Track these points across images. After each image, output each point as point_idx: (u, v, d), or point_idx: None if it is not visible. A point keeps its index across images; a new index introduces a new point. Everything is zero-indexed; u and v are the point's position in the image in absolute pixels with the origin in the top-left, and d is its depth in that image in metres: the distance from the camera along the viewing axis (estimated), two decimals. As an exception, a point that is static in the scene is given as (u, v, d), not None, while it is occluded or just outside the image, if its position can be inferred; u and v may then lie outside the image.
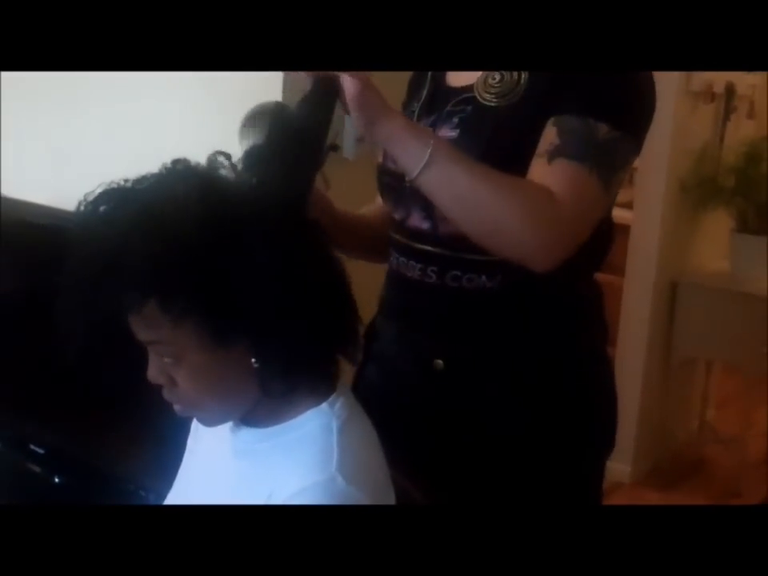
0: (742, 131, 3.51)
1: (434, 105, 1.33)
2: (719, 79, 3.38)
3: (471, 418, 1.34)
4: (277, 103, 1.19)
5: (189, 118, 2.17)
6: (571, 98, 1.21)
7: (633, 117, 1.25)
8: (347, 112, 1.17)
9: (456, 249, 1.29)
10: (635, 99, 1.25)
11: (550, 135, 1.21)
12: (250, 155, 1.07)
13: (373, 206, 1.51)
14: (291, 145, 1.10)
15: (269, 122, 1.13)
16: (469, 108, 1.28)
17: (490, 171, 1.17)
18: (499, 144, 1.23)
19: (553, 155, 1.20)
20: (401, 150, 1.17)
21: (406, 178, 1.18)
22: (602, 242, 1.36)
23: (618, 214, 3.49)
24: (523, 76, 1.25)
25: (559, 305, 1.34)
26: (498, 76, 1.27)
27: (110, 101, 2.26)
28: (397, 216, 1.37)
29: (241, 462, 1.10)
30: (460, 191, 1.16)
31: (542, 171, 1.20)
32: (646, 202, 3.35)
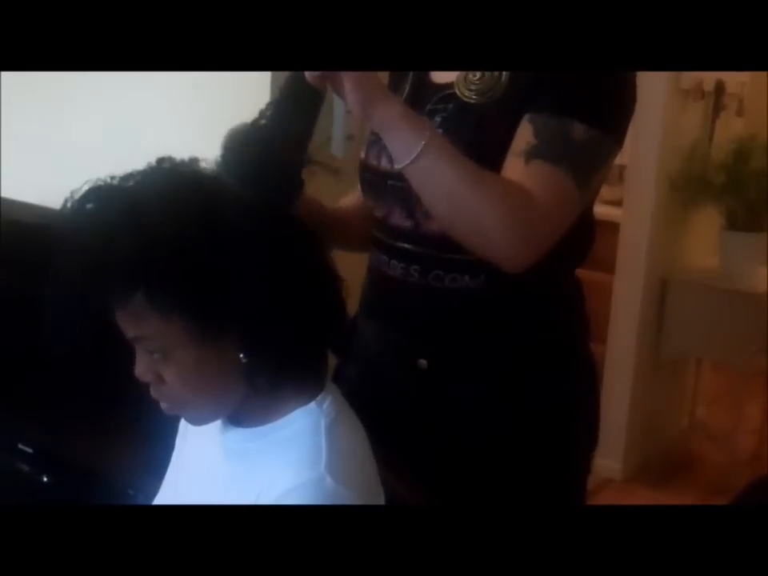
0: (731, 129, 3.52)
1: (416, 101, 1.32)
2: (708, 77, 3.38)
3: (455, 416, 1.34)
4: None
5: (176, 116, 2.17)
6: (548, 97, 1.20)
7: (611, 115, 1.24)
8: (340, 95, 1.15)
9: (438, 248, 1.28)
10: (614, 96, 1.24)
11: (526, 133, 1.21)
12: (230, 151, 1.06)
13: (353, 195, 1.50)
14: (275, 141, 1.09)
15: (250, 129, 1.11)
16: (450, 106, 1.28)
17: (476, 170, 1.17)
18: (480, 142, 1.23)
19: (529, 156, 1.19)
20: (395, 137, 1.15)
21: (394, 165, 1.17)
22: (583, 241, 1.36)
23: (608, 212, 3.52)
24: (504, 73, 1.25)
25: (542, 304, 1.34)
26: (478, 73, 1.26)
27: (97, 99, 2.26)
28: (378, 213, 1.36)
29: (230, 461, 1.09)
30: (445, 188, 1.15)
31: (519, 171, 1.19)
32: (635, 200, 3.35)
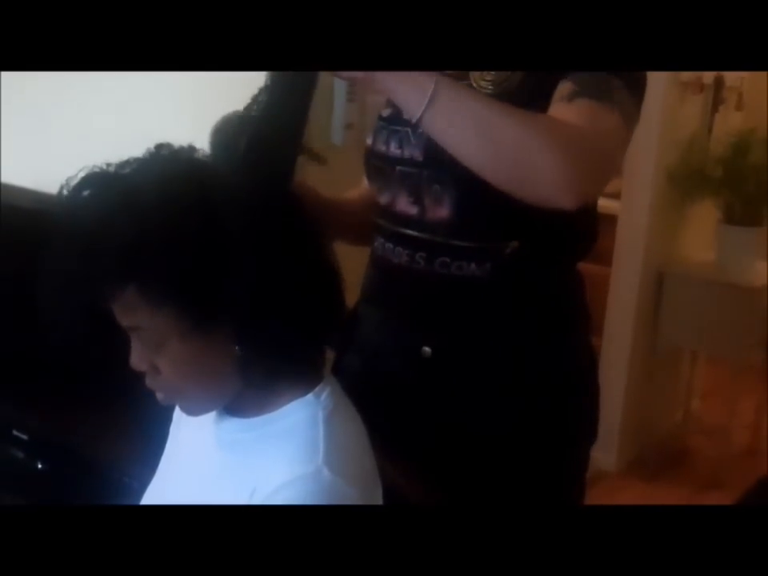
0: (730, 123, 3.51)
1: None
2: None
3: (458, 405, 1.34)
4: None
5: (175, 103, 2.16)
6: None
7: (636, 83, 1.23)
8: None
9: (445, 235, 1.28)
10: (635, 76, 1.24)
11: (565, 86, 1.17)
12: (222, 138, 1.05)
13: (357, 189, 1.50)
14: (270, 127, 1.07)
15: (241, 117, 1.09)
16: None
17: (503, 103, 1.11)
18: None
19: (573, 96, 1.15)
20: (402, 86, 1.09)
21: (412, 120, 1.11)
22: (587, 231, 1.36)
23: (606, 204, 3.51)
24: None
25: (546, 294, 1.34)
26: None
27: (96, 84, 2.24)
28: (383, 200, 1.36)
29: (224, 452, 1.09)
30: (475, 121, 1.08)
31: (563, 110, 1.14)
32: (633, 192, 3.35)
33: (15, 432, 1.85)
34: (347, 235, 1.45)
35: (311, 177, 1.18)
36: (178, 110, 2.16)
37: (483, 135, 1.09)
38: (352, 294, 1.40)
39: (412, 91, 1.09)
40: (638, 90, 1.23)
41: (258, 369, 1.02)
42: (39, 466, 1.82)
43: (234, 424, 1.08)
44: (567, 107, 1.15)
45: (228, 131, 1.06)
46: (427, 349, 1.33)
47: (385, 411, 1.28)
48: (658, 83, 3.13)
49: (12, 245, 1.83)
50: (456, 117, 1.09)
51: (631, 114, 1.20)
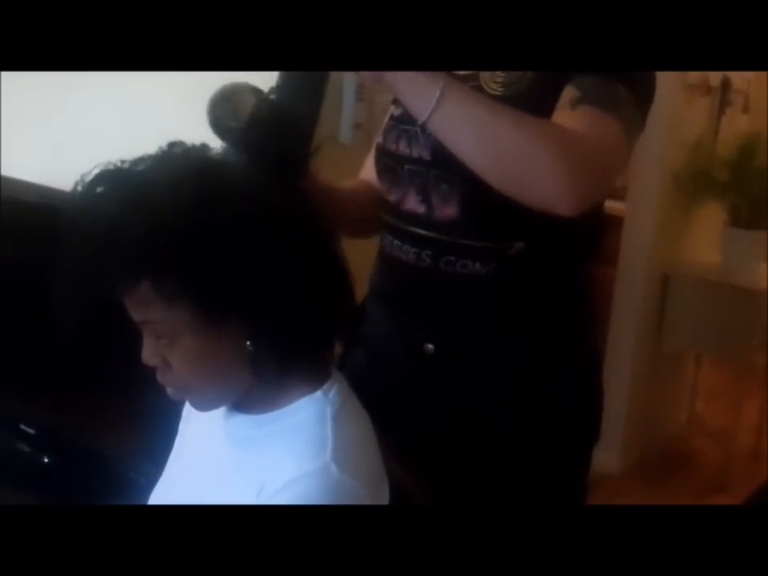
0: (736, 125, 3.52)
1: None
2: (715, 73, 3.38)
3: (460, 403, 1.34)
4: (252, 86, 1.16)
5: (187, 101, 2.17)
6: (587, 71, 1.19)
7: (644, 91, 1.24)
8: None
9: (451, 234, 1.29)
10: (643, 80, 1.25)
11: (569, 92, 1.18)
12: (243, 134, 1.06)
13: (352, 181, 1.50)
14: (284, 124, 1.08)
15: (253, 101, 1.10)
16: None
17: (507, 107, 1.13)
18: None
19: (576, 103, 1.16)
20: (410, 88, 1.12)
21: (419, 122, 1.14)
22: (593, 232, 1.37)
23: (612, 205, 3.51)
24: None
25: (551, 294, 1.35)
26: None
27: (107, 81, 2.25)
28: (392, 198, 1.37)
29: (233, 448, 1.09)
30: (478, 126, 1.11)
31: (566, 117, 1.16)
32: (639, 194, 3.35)
33: (22, 426, 1.86)
34: (345, 224, 1.45)
35: (319, 175, 1.19)
36: (186, 109, 2.16)
37: (486, 139, 1.12)
38: (361, 290, 1.41)
39: (419, 94, 1.12)
40: (644, 100, 1.24)
41: (269, 364, 1.03)
42: (46, 460, 1.83)
43: (243, 420, 1.09)
44: (570, 114, 1.17)
45: (231, 107, 1.06)
46: (430, 346, 1.34)
47: (388, 407, 1.29)
48: (665, 85, 3.10)
49: (22, 240, 1.84)
50: (461, 121, 1.12)
51: (634, 124, 1.21)
